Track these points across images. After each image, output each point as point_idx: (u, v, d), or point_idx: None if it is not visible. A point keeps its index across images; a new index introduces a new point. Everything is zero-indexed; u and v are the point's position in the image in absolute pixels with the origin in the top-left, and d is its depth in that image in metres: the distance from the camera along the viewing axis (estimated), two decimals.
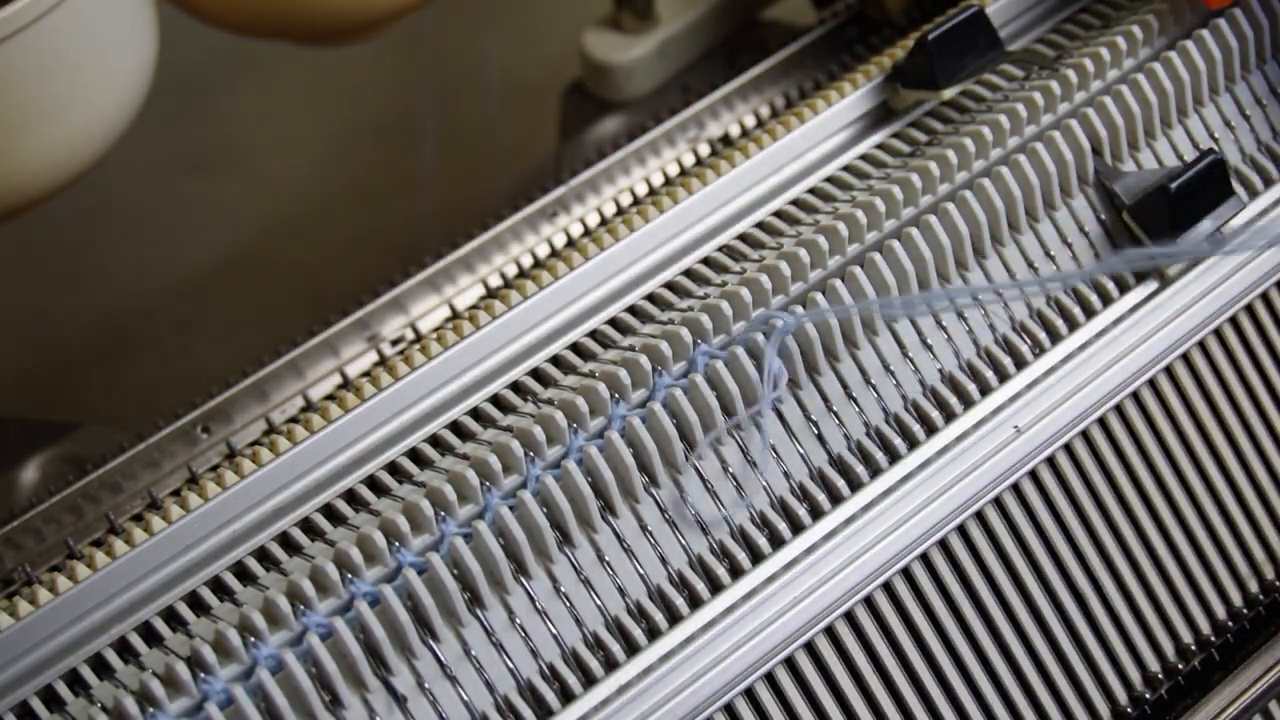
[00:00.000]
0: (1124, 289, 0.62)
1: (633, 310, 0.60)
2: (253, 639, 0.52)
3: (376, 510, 0.56)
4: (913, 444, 0.59)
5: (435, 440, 0.58)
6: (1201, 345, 0.63)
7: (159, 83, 0.74)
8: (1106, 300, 0.62)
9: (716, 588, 0.56)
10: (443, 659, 0.53)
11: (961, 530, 0.58)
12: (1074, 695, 0.59)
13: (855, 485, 0.58)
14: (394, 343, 0.73)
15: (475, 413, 0.58)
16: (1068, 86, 0.64)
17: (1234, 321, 0.64)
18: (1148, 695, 0.60)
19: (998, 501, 0.59)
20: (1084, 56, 0.65)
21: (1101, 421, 0.61)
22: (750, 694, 0.55)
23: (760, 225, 0.62)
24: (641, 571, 0.56)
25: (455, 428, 0.58)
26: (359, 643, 0.52)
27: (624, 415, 0.56)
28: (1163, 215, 0.62)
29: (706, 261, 0.62)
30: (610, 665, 0.54)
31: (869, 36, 0.80)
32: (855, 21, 0.81)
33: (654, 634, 0.55)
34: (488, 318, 0.59)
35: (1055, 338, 0.61)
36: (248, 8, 0.79)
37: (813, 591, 0.55)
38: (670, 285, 0.61)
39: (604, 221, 0.76)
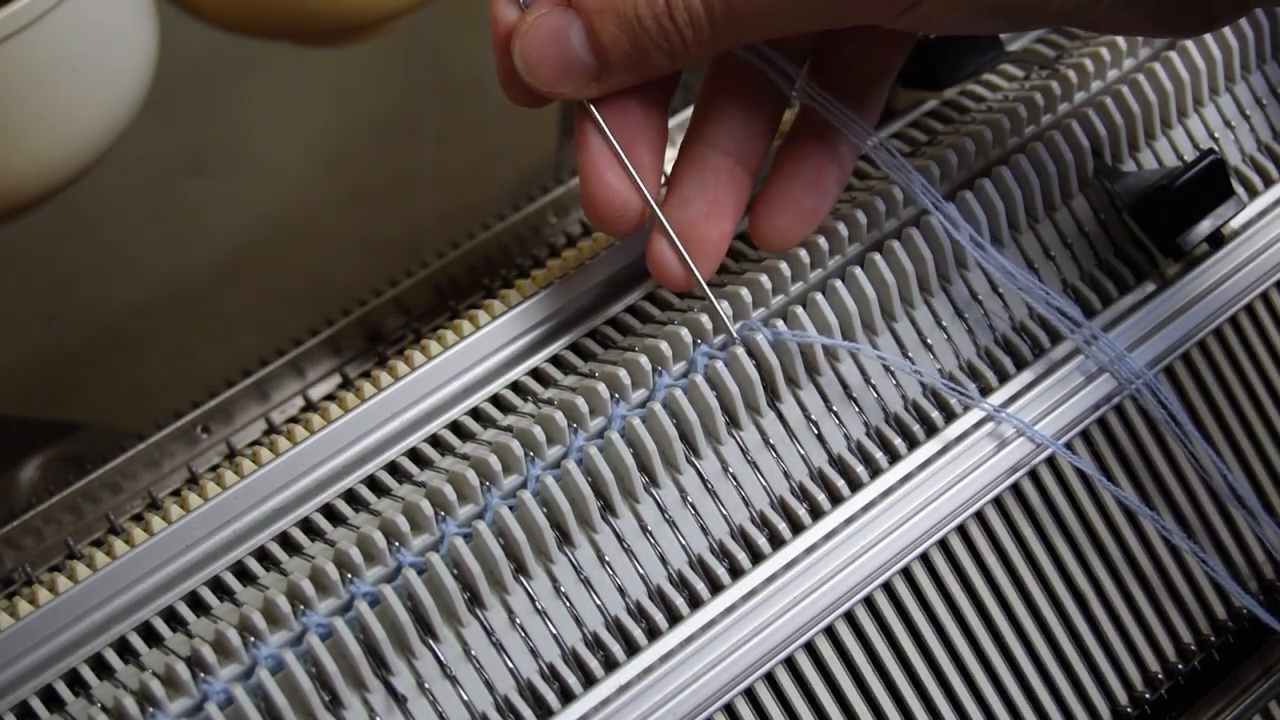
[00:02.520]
0: (1124, 289, 0.62)
1: (634, 310, 0.60)
2: (253, 639, 0.52)
3: (376, 510, 0.56)
4: (913, 444, 0.59)
5: (435, 440, 0.58)
6: (1202, 345, 0.63)
7: (159, 83, 0.74)
8: (1107, 300, 0.62)
9: (716, 588, 0.56)
10: (443, 659, 0.53)
11: (961, 530, 0.58)
12: (1074, 695, 0.59)
13: (855, 485, 0.58)
14: (393, 343, 0.73)
15: (475, 413, 0.58)
16: (1068, 86, 0.64)
17: (1234, 321, 0.64)
18: (1148, 695, 0.60)
19: (998, 501, 0.59)
20: (1084, 56, 0.65)
21: (1102, 421, 0.61)
22: (750, 694, 0.55)
23: None
24: (641, 571, 0.56)
25: (455, 428, 0.58)
26: (359, 643, 0.52)
27: (624, 415, 0.56)
28: (1163, 215, 0.62)
29: None
30: (610, 665, 0.54)
31: None
32: None
33: (654, 634, 0.55)
34: (487, 318, 0.59)
35: (1056, 338, 0.61)
36: (248, 8, 0.79)
37: (812, 591, 0.55)
38: None
39: None
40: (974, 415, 0.59)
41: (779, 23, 0.55)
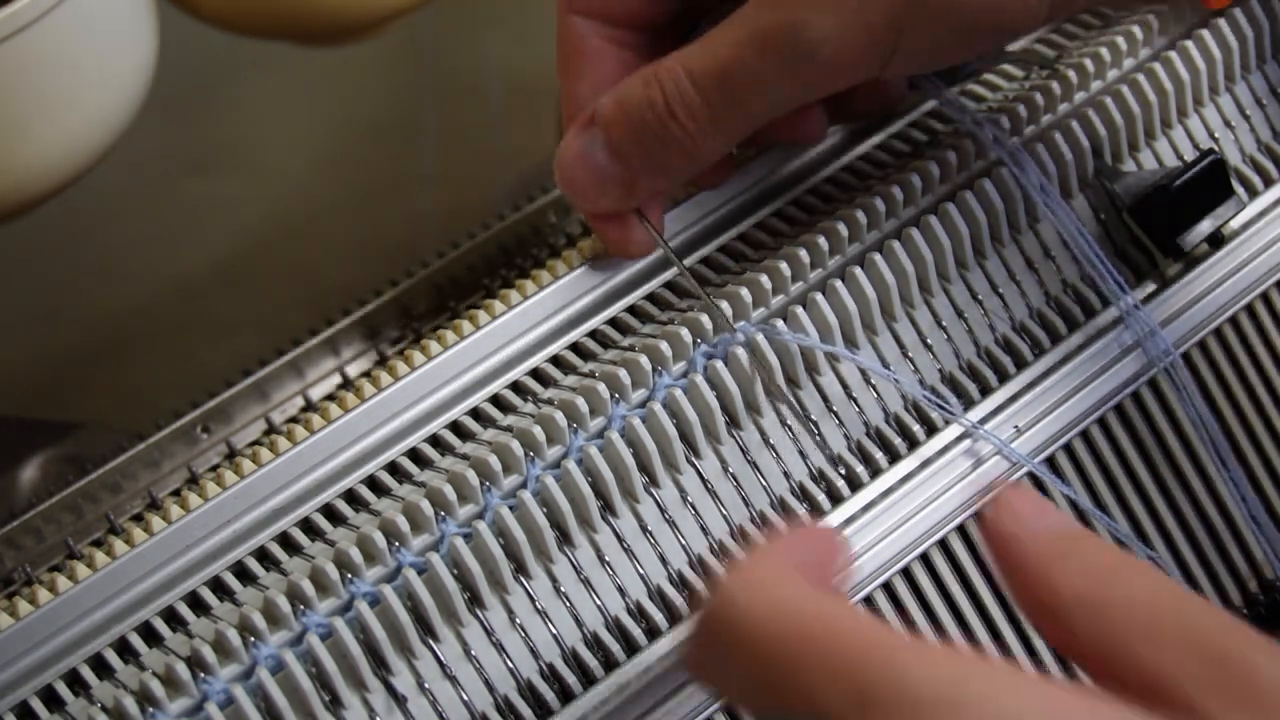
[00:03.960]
0: (1124, 289, 0.62)
1: (634, 310, 0.60)
2: (253, 639, 0.52)
3: (376, 510, 0.56)
4: (912, 444, 0.59)
5: (435, 440, 0.58)
6: (1202, 345, 0.63)
7: (159, 83, 0.74)
8: (1106, 301, 0.62)
9: None
10: (443, 659, 0.53)
11: (961, 530, 0.58)
12: None
13: (855, 485, 0.58)
14: (394, 343, 0.73)
15: (475, 413, 0.58)
16: (1068, 86, 0.64)
17: (1234, 321, 0.64)
18: None
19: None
20: (1084, 56, 0.65)
21: (1102, 421, 0.61)
22: None
23: (760, 225, 0.62)
24: (641, 571, 0.56)
25: (455, 428, 0.58)
26: (359, 643, 0.52)
27: (624, 415, 0.56)
28: (1163, 215, 0.62)
29: (706, 262, 0.62)
30: (610, 665, 0.54)
31: None
32: None
33: (654, 634, 0.55)
34: (487, 318, 0.59)
35: (1056, 338, 0.61)
36: (248, 8, 0.79)
37: None
38: (670, 285, 0.61)
39: None
40: (974, 415, 0.59)
41: (776, 99, 0.56)
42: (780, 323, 0.58)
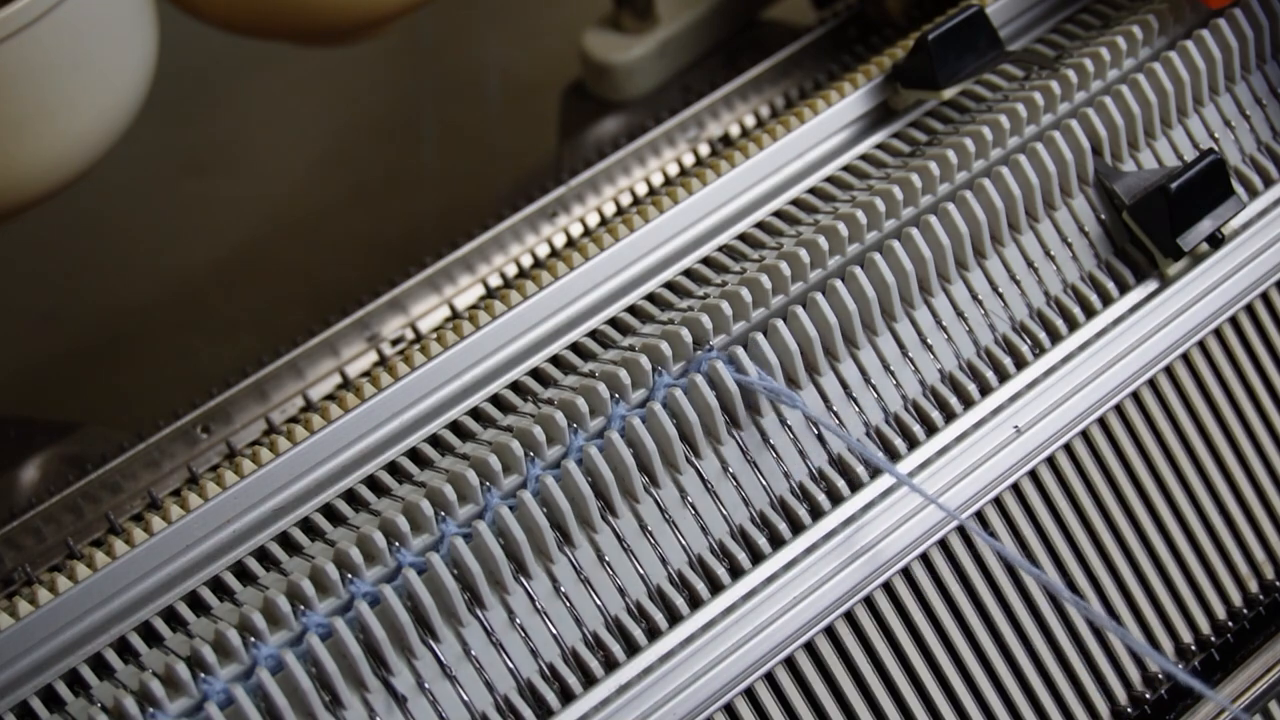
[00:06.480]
0: (1124, 289, 0.63)
1: (633, 310, 0.60)
2: (253, 639, 0.52)
3: (376, 510, 0.56)
4: (912, 444, 0.59)
5: (435, 440, 0.58)
6: (1201, 345, 0.63)
7: (159, 83, 0.74)
8: (1107, 300, 0.62)
9: (716, 588, 0.56)
10: (443, 659, 0.53)
11: (961, 530, 0.58)
12: (1074, 695, 0.59)
13: (855, 485, 0.58)
14: (394, 343, 0.73)
15: (475, 413, 0.58)
16: (1068, 86, 0.64)
17: (1234, 321, 0.64)
18: (1148, 695, 0.60)
19: (997, 501, 0.59)
20: (1084, 56, 0.65)
21: (1101, 421, 0.61)
22: (750, 694, 0.55)
23: (760, 225, 0.62)
24: (641, 571, 0.56)
25: (455, 428, 0.58)
26: (359, 643, 0.52)
27: (624, 415, 0.56)
28: (1163, 215, 0.62)
29: (706, 261, 0.62)
30: (610, 665, 0.54)
31: (869, 36, 0.80)
32: (855, 21, 0.81)
33: (654, 634, 0.55)
34: (488, 318, 0.59)
35: (1055, 338, 0.61)
36: (248, 8, 0.79)
37: (812, 592, 0.55)
38: (670, 285, 0.61)
39: (604, 221, 0.76)
40: (974, 414, 0.59)
41: None
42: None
